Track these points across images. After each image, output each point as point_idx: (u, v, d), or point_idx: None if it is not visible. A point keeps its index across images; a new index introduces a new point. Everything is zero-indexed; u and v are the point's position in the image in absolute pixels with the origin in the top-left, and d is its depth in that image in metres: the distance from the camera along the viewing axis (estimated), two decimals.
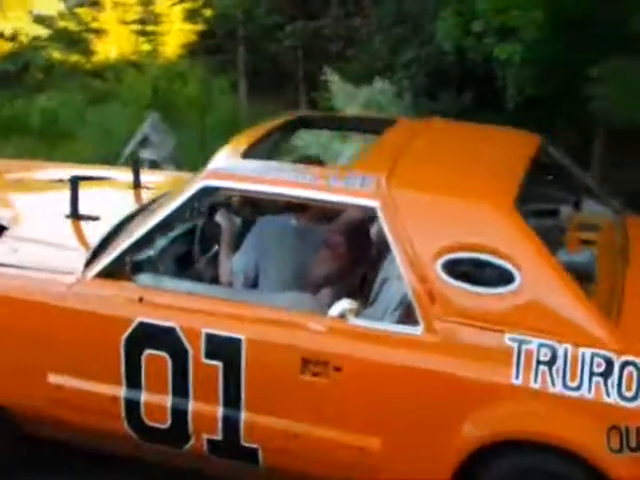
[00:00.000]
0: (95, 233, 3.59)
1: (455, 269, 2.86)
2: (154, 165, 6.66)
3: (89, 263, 3.25)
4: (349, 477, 3.05)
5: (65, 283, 3.22)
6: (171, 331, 3.08)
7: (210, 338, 3.03)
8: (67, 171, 4.39)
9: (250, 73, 9.31)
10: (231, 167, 3.28)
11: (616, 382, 2.66)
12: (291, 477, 3.16)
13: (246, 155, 3.33)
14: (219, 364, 3.05)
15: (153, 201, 3.88)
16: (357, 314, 2.95)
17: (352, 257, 3.37)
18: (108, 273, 3.19)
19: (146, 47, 9.77)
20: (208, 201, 3.50)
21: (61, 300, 3.22)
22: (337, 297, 3.11)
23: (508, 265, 2.82)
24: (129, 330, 3.11)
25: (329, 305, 3.04)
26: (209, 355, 3.05)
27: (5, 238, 3.63)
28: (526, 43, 5.05)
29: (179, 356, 3.09)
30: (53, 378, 3.24)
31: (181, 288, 3.22)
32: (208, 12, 9.29)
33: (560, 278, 2.80)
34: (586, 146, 6.30)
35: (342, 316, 2.95)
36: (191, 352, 3.07)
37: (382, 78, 6.92)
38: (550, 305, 2.82)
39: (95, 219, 3.74)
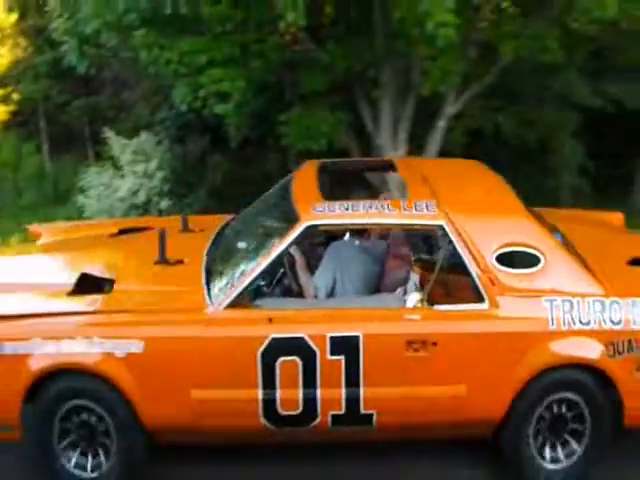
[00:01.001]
0: (188, 274, 4.31)
1: (504, 260, 3.96)
2: None
3: (211, 296, 3.99)
4: (442, 420, 4.02)
5: (203, 317, 3.91)
6: (300, 339, 3.86)
7: (334, 339, 3.86)
8: (109, 227, 5.41)
9: (50, 138, 11.50)
10: (326, 208, 4.08)
11: (608, 315, 3.93)
12: (395, 431, 4.14)
13: (326, 198, 4.20)
14: (342, 357, 3.88)
15: (218, 237, 4.78)
16: (422, 302, 3.96)
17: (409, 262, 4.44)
18: (234, 304, 3.92)
19: None
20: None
21: (202, 331, 3.88)
22: (405, 293, 4.17)
23: (536, 252, 4.05)
24: (264, 345, 3.84)
25: (404, 300, 4.06)
26: (334, 352, 3.88)
27: (120, 290, 4.20)
28: (236, 102, 6.51)
29: (308, 357, 3.87)
30: (195, 393, 3.91)
31: (298, 306, 4.09)
32: (16, 96, 11.43)
33: (566, 256, 4.14)
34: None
35: (416, 305, 3.96)
36: (318, 353, 3.87)
37: (146, 132, 8.67)
38: (564, 275, 4.06)
39: (180, 262, 4.42)
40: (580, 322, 3.93)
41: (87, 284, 4.31)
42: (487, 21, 7.37)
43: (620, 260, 4.49)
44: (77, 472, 4.09)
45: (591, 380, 3.98)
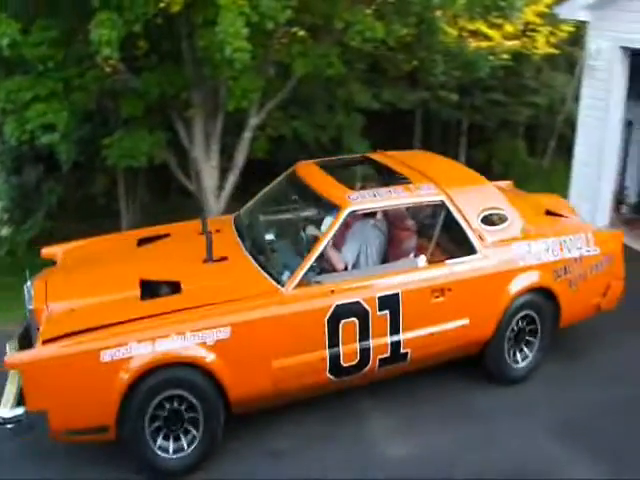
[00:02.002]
0: (241, 267, 4.87)
1: (486, 220, 5.29)
2: None
3: (281, 280, 4.60)
4: (453, 346, 5.19)
5: (278, 298, 4.54)
6: (357, 303, 4.72)
7: (381, 299, 4.78)
8: (127, 239, 5.63)
9: None
10: (359, 197, 4.97)
11: (550, 251, 5.42)
12: (421, 361, 5.14)
13: (353, 189, 5.17)
14: (387, 312, 4.81)
15: (240, 234, 5.29)
16: (429, 262, 5.04)
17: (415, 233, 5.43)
18: (300, 284, 4.60)
19: None
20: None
21: (278, 309, 4.52)
22: (416, 255, 5.18)
23: (504, 213, 5.46)
24: (330, 312, 4.62)
25: (416, 262, 5.05)
26: (382, 309, 4.79)
27: (190, 289, 4.61)
28: (61, 132, 6.96)
29: (363, 316, 4.73)
30: (277, 363, 4.54)
31: (349, 277, 4.87)
32: None
33: (517, 214, 5.51)
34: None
35: (425, 265, 5.01)
36: (370, 311, 4.75)
37: None
38: (521, 226, 5.46)
39: (225, 259, 4.96)
40: (535, 258, 5.39)
41: (151, 289, 4.66)
42: (281, 44, 8.25)
43: (541, 212, 6.10)
44: (161, 454, 4.45)
45: (543, 299, 5.49)
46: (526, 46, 12.44)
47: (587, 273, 5.69)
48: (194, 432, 4.50)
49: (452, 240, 5.34)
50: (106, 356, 4.15)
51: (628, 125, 9.27)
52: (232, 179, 8.10)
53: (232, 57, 6.21)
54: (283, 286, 4.60)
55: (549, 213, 6.18)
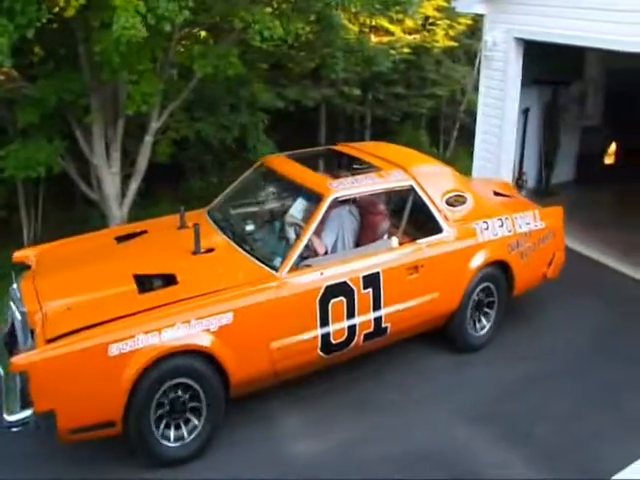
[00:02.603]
0: (231, 257, 5.10)
1: (449, 201, 5.79)
2: None
3: (274, 266, 4.87)
4: (425, 319, 5.63)
5: (274, 283, 4.80)
6: (344, 283, 5.06)
7: (365, 278, 5.15)
8: (104, 237, 5.67)
9: None
10: (343, 185, 5.34)
11: (505, 227, 6.03)
12: (398, 334, 5.51)
13: (334, 178, 5.50)
14: (370, 290, 5.18)
15: (219, 226, 5.50)
16: (400, 242, 5.42)
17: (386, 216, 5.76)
18: (292, 269, 4.87)
19: None
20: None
21: (275, 293, 4.77)
22: (389, 237, 5.53)
23: (464, 194, 5.97)
24: (320, 293, 4.94)
25: (390, 243, 5.42)
26: (365, 287, 5.15)
27: (186, 280, 4.75)
28: None
29: (350, 295, 5.08)
30: (273, 344, 4.80)
31: (334, 260, 5.16)
32: None
33: (474, 193, 6.10)
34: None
35: (396, 245, 5.39)
36: (355, 290, 5.10)
37: None
38: (480, 208, 6.02)
39: (211, 250, 5.19)
40: (493, 234, 5.94)
41: (145, 283, 4.75)
42: (182, 45, 8.15)
43: (490, 193, 6.73)
44: (164, 443, 4.55)
45: (500, 271, 6.08)
46: (426, 40, 12.67)
47: (535, 246, 6.30)
48: (195, 420, 4.66)
49: (420, 221, 5.76)
50: (114, 350, 4.21)
51: (525, 112, 9.59)
52: (134, 185, 7.88)
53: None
54: (277, 271, 4.86)
55: (496, 194, 6.76)
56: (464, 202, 5.93)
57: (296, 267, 4.93)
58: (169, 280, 4.79)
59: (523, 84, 9.05)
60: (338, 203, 5.49)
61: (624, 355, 6.15)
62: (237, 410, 5.13)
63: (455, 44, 13.06)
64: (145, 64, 6.86)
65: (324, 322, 4.99)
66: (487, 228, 5.92)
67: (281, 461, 4.80)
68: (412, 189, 5.64)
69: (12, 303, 4.82)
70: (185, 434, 4.65)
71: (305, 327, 4.94)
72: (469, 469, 4.75)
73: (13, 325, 4.78)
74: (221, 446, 4.86)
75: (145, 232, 5.66)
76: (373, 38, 12.06)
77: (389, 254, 5.36)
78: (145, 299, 4.59)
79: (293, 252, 4.95)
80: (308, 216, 5.26)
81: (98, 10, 6.35)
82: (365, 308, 5.19)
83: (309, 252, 5.18)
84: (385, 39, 12.07)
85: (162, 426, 4.55)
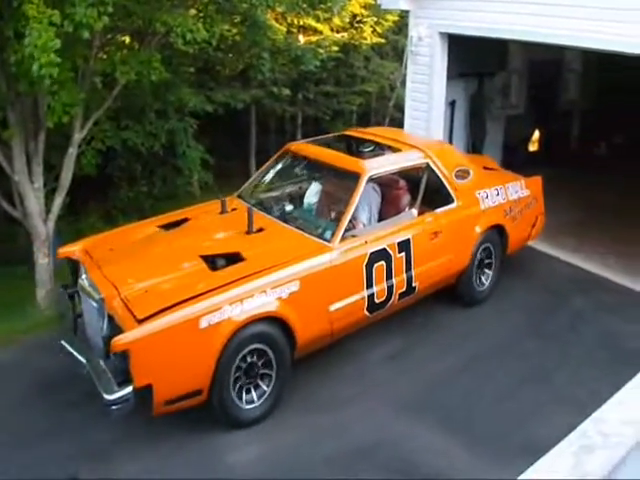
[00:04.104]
0: (283, 234, 5.63)
1: (457, 175, 6.53)
2: None
3: (326, 238, 5.44)
4: (443, 276, 6.36)
5: (330, 252, 5.38)
6: (384, 249, 5.72)
7: (399, 244, 5.83)
8: (148, 226, 5.92)
9: None
10: (375, 165, 5.98)
11: (501, 195, 6.88)
12: (424, 291, 6.19)
13: (365, 159, 6.11)
14: (403, 254, 5.86)
15: (260, 207, 6.00)
16: (419, 213, 6.10)
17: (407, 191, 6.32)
18: (342, 239, 5.45)
19: None
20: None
21: (330, 262, 5.34)
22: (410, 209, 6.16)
23: (468, 168, 6.73)
24: (366, 258, 5.57)
25: (411, 214, 6.09)
26: (400, 252, 5.83)
27: (252, 255, 5.19)
28: None
29: (388, 259, 5.72)
30: (332, 307, 5.34)
31: (374, 230, 5.81)
32: None
33: (475, 167, 6.98)
34: None
35: (416, 216, 6.07)
36: (392, 255, 5.76)
37: None
38: (480, 180, 6.79)
39: (261, 230, 5.61)
40: (492, 202, 6.74)
41: (214, 262, 5.14)
42: (105, 52, 7.87)
43: (481, 168, 7.28)
44: (239, 404, 4.94)
45: (497, 234, 6.91)
46: (354, 37, 12.77)
47: (523, 210, 7.17)
48: (267, 382, 5.09)
49: (434, 193, 6.38)
50: (204, 322, 4.57)
51: (452, 104, 9.71)
52: (59, 200, 7.52)
53: (40, 73, 5.82)
54: (330, 242, 5.43)
55: (486, 168, 7.44)
56: (468, 175, 6.68)
57: (344, 238, 5.49)
58: (235, 258, 5.20)
59: (449, 77, 9.14)
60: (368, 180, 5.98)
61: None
62: (179, 420, 5.08)
63: (383, 40, 13.18)
64: (65, 74, 6.61)
65: (369, 284, 5.61)
66: (487, 197, 6.73)
67: (220, 468, 4.76)
68: (428, 166, 6.38)
69: (82, 293, 5.13)
70: (255, 398, 5.05)
71: (355, 289, 5.53)
72: (409, 459, 4.79)
73: (75, 315, 5.29)
74: (152, 460, 4.81)
75: (187, 219, 6.03)
76: (301, 38, 12.05)
77: (416, 222, 6.11)
78: (220, 275, 4.98)
79: (341, 225, 5.52)
80: (345, 196, 5.80)
81: (12, 19, 6.13)
82: (400, 270, 5.86)
83: (350, 224, 5.70)
84: (313, 38, 12.07)
85: (237, 390, 4.94)
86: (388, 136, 6.94)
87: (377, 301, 5.71)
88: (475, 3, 8.07)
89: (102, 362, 4.71)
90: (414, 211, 6.14)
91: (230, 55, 10.44)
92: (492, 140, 10.57)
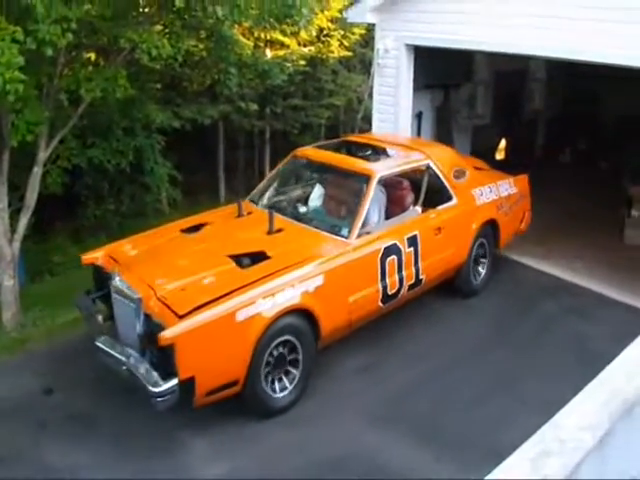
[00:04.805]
0: (302, 232, 5.98)
1: (455, 175, 6.92)
2: None
3: (343, 235, 5.80)
4: (444, 269, 6.75)
5: (349, 247, 5.76)
6: (395, 244, 6.10)
7: (408, 239, 6.22)
8: (172, 230, 6.14)
9: None
10: (382, 167, 6.41)
11: (493, 193, 7.33)
12: (428, 284, 6.53)
13: (373, 162, 6.54)
14: (412, 248, 6.26)
15: (276, 210, 6.14)
16: (422, 211, 6.49)
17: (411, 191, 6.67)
18: (358, 235, 5.83)
19: None
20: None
21: (351, 256, 5.73)
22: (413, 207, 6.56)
23: (464, 169, 7.14)
24: (380, 253, 5.95)
25: (416, 211, 6.50)
26: (409, 246, 6.22)
27: (277, 253, 5.50)
28: None
29: (399, 253, 6.11)
30: (351, 298, 5.69)
31: (387, 226, 6.21)
32: None
33: (470, 167, 7.39)
34: None
35: (420, 213, 6.47)
36: (402, 249, 6.16)
37: None
38: (475, 179, 7.32)
39: (280, 230, 5.92)
40: (486, 199, 7.20)
41: (240, 261, 5.41)
42: (71, 69, 7.65)
43: (471, 167, 7.51)
44: (270, 394, 5.24)
45: (490, 228, 7.35)
46: (322, 51, 12.79)
47: (513, 206, 7.63)
48: (294, 372, 5.38)
49: (434, 192, 6.74)
50: (240, 315, 4.86)
51: (418, 116, 9.78)
52: (24, 220, 7.35)
53: (5, 88, 5.73)
54: (347, 238, 5.80)
55: (476, 168, 7.73)
56: (464, 174, 7.07)
57: (359, 234, 5.86)
58: (261, 256, 5.48)
59: (415, 89, 9.21)
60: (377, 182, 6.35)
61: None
62: (148, 436, 5.05)
63: (350, 54, 13.21)
64: (29, 91, 6.51)
65: (383, 277, 5.98)
66: (482, 194, 7.17)
67: None
68: (429, 166, 6.74)
69: (116, 295, 5.27)
70: (287, 384, 5.37)
71: (371, 282, 5.90)
72: (381, 470, 4.79)
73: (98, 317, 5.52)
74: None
75: (206, 224, 6.28)
76: (268, 52, 12.05)
77: (421, 219, 6.50)
78: (250, 272, 5.26)
79: (357, 222, 5.90)
80: (357, 196, 6.19)
81: None
82: (409, 263, 6.24)
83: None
84: (281, 52, 12.07)
85: (268, 381, 5.23)
86: (388, 140, 7.50)
87: (390, 292, 6.08)
88: (439, 15, 8.14)
89: (136, 359, 4.96)
90: (418, 208, 6.56)
91: (197, 71, 10.37)
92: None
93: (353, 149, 7.13)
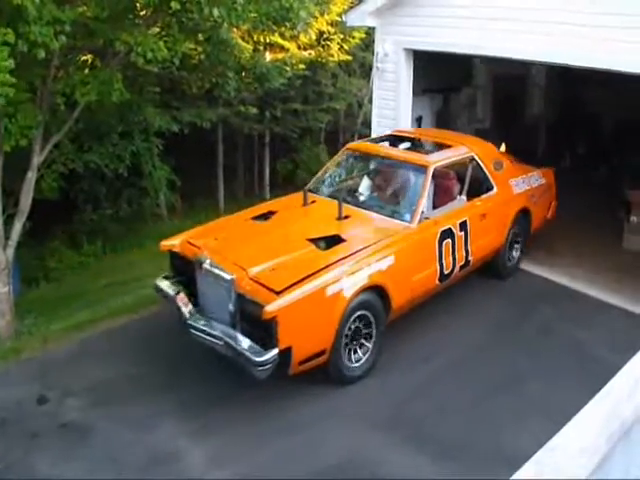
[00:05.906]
0: (369, 218, 6.45)
1: (495, 166, 7.46)
2: None
3: (406, 220, 6.28)
4: (487, 252, 7.26)
5: (413, 231, 6.26)
6: (449, 229, 6.60)
7: (460, 224, 6.72)
8: (243, 217, 6.57)
9: None
10: (436, 159, 6.89)
11: (526, 183, 7.86)
12: (475, 265, 7.05)
13: (427, 154, 7.08)
14: (463, 233, 6.77)
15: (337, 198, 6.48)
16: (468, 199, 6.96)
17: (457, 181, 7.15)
18: (419, 221, 6.31)
19: None
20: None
21: (411, 239, 6.21)
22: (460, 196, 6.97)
23: (502, 161, 7.61)
24: (437, 237, 6.45)
25: (462, 200, 6.93)
26: (460, 230, 6.73)
27: (351, 237, 5.99)
28: None
29: (453, 237, 6.61)
30: (414, 277, 6.18)
31: (442, 212, 6.63)
32: None
33: (506, 159, 7.85)
34: None
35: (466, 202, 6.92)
36: (456, 233, 6.67)
37: None
38: (510, 170, 7.73)
39: (348, 217, 6.37)
40: (520, 189, 7.71)
41: (318, 244, 5.85)
42: (65, 72, 7.63)
43: (507, 160, 7.85)
44: (348, 364, 5.68)
45: (523, 216, 7.79)
46: (321, 55, 12.70)
47: (541, 196, 8.11)
48: (368, 345, 5.83)
49: (477, 182, 7.21)
50: (329, 291, 5.33)
51: (418, 120, 9.70)
52: (18, 226, 7.28)
53: None
54: (410, 223, 6.30)
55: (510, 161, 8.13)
56: (502, 166, 7.56)
57: (422, 219, 6.37)
58: (337, 239, 5.95)
59: (415, 93, 9.14)
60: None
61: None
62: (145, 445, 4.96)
63: (350, 58, 13.13)
64: (21, 95, 6.45)
65: (440, 257, 6.48)
66: (517, 185, 7.68)
67: None
68: (473, 158, 7.23)
69: (206, 276, 5.60)
70: (361, 355, 5.78)
71: (430, 262, 6.41)
72: (377, 474, 4.74)
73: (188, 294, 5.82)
74: None
75: (275, 212, 6.66)
76: (268, 55, 11.97)
77: (468, 207, 6.95)
78: (331, 254, 5.73)
79: (418, 208, 6.40)
80: (415, 185, 6.68)
81: None
82: (460, 246, 6.75)
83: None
84: (280, 55, 12.00)
85: (347, 352, 5.66)
86: (433, 134, 8.08)
87: (445, 272, 6.59)
88: (437, 19, 8.07)
89: (230, 334, 5.30)
90: (464, 197, 6.99)
91: (195, 74, 10.30)
92: None
93: (402, 143, 7.62)
